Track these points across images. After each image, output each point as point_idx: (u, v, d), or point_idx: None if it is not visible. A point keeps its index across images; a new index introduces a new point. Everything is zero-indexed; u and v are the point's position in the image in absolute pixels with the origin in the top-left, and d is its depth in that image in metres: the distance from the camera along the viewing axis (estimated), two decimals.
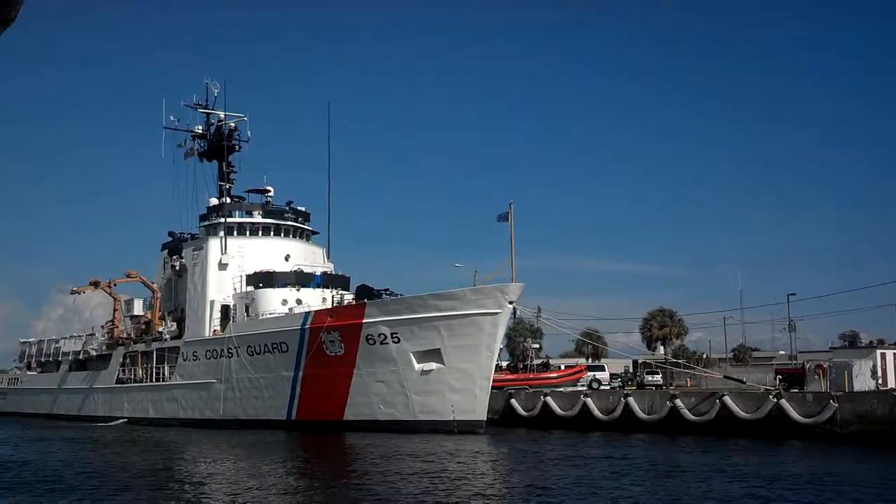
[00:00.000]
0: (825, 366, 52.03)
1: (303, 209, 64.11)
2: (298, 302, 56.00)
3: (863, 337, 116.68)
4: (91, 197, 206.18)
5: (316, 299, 56.29)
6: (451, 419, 47.10)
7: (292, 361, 51.41)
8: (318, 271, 59.01)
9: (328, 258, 63.82)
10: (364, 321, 48.21)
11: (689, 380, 71.15)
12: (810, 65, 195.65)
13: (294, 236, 62.61)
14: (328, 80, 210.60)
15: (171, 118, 67.84)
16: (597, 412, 49.27)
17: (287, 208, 63.05)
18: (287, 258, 60.44)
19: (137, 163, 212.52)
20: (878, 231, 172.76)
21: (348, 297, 56.59)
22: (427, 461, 36.18)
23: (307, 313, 50.94)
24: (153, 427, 59.62)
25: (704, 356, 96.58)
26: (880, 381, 52.68)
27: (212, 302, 57.90)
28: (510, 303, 45.77)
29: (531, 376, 62.36)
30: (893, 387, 52.23)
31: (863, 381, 48.84)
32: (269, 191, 63.94)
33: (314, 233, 64.62)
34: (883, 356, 56.04)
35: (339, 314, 49.33)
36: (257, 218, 61.59)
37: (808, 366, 55.00)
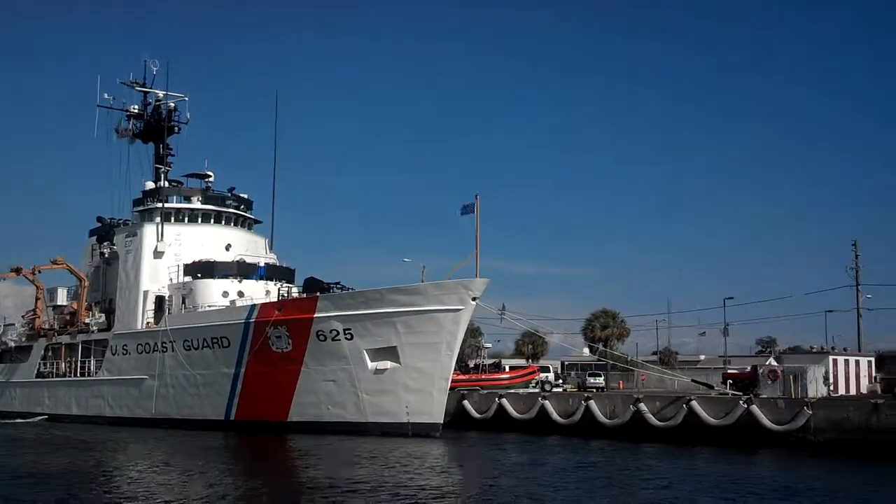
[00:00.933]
0: (779, 371, 51.11)
1: (245, 196, 60.61)
2: (240, 294, 52.62)
3: (779, 342, 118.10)
4: (10, 178, 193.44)
5: (259, 292, 53.06)
6: (406, 421, 44.40)
7: (233, 357, 48.06)
8: (262, 262, 55.64)
9: (271, 249, 60.43)
10: (315, 315, 45.16)
11: (621, 381, 69.79)
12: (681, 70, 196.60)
13: (235, 224, 59.07)
14: (278, 64, 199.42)
15: (106, 96, 63.69)
16: (555, 415, 47.16)
17: (229, 195, 59.47)
18: (228, 248, 56.93)
19: (65, 142, 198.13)
20: (812, 240, 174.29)
21: (294, 291, 53.53)
22: (377, 466, 34.08)
23: (252, 306, 47.65)
24: (77, 424, 55.59)
25: (630, 359, 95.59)
26: (832, 388, 51.90)
27: (145, 292, 54.07)
28: (474, 299, 43.24)
29: (483, 377, 60.01)
30: (844, 393, 51.57)
31: (816, 388, 48.05)
32: (210, 176, 60.26)
33: (257, 222, 61.18)
34: (835, 362, 55.22)
35: (288, 308, 46.19)
36: (196, 204, 57.88)
37: (760, 370, 53.98)
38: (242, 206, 59.97)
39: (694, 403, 42.50)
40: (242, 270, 53.98)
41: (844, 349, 63.59)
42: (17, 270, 61.48)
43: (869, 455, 36.82)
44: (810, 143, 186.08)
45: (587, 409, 45.91)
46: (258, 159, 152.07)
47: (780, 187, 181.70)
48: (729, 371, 70.09)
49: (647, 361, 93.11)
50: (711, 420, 41.90)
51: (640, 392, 50.12)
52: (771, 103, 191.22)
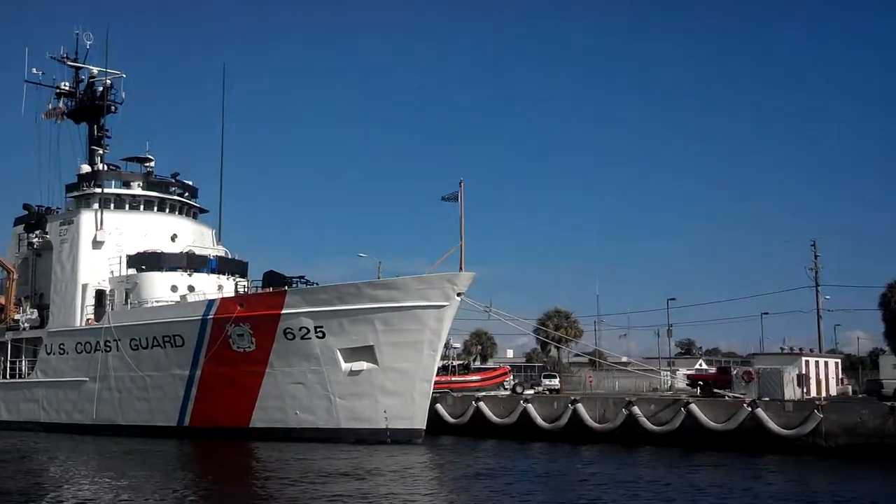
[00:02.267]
0: (753, 372, 49.34)
1: (190, 183, 55.92)
2: (190, 289, 48.18)
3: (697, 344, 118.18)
4: None
5: (211, 286, 48.61)
6: (384, 427, 40.77)
7: (188, 358, 43.71)
8: (212, 255, 51.17)
9: (219, 241, 55.90)
10: (283, 312, 41.17)
11: (562, 384, 67.48)
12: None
13: (180, 213, 54.41)
14: (226, 40, 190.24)
15: (35, 71, 58.20)
16: (539, 420, 44.08)
17: (173, 181, 54.72)
18: (174, 238, 52.32)
19: None
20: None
21: (244, 286, 49.44)
22: (351, 478, 30.80)
23: (210, 301, 43.32)
24: (6, 431, 50.35)
25: (564, 361, 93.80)
26: (805, 389, 50.40)
27: (84, 286, 49.09)
28: (459, 294, 39.82)
29: (452, 379, 56.57)
30: (815, 395, 50.00)
31: (790, 389, 46.40)
32: (151, 160, 55.39)
33: (203, 211, 56.63)
34: (807, 363, 53.70)
35: (252, 303, 42.03)
36: (138, 190, 53.01)
37: (735, 371, 52.21)
38: (187, 194, 55.37)
39: (693, 406, 39.96)
40: (192, 263, 49.51)
41: (811, 350, 62.47)
42: None
43: (885, 461, 34.74)
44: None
45: (575, 412, 42.96)
46: (202, 143, 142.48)
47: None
48: (690, 372, 68.62)
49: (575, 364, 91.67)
50: (712, 424, 39.38)
51: (633, 395, 47.56)
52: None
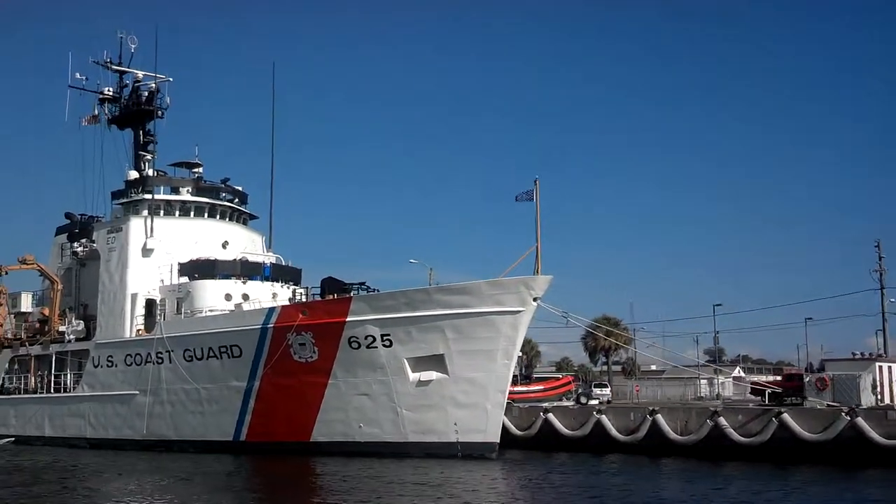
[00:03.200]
0: (828, 379, 46.97)
1: (240, 189, 54.06)
2: (245, 297, 46.15)
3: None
4: None
5: (265, 294, 46.71)
6: (455, 441, 38.48)
7: (246, 369, 41.62)
8: (266, 261, 49.20)
9: (269, 247, 53.94)
10: (348, 319, 39.02)
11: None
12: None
13: (231, 219, 52.52)
14: (272, 44, 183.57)
15: (78, 76, 56.62)
16: (614, 432, 41.62)
17: (223, 186, 52.85)
18: (225, 245, 50.42)
19: (23, 128, 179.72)
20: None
21: (302, 293, 47.51)
22: (423, 496, 29.02)
23: (271, 309, 41.27)
24: (51, 448, 48.44)
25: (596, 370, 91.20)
26: (879, 396, 47.99)
27: (134, 295, 47.13)
28: (535, 300, 37.55)
29: (513, 388, 54.06)
30: (889, 402, 47.57)
31: (866, 396, 44.10)
32: (200, 165, 53.59)
33: (253, 217, 54.63)
34: (880, 369, 51.23)
35: (316, 311, 39.90)
36: (187, 196, 51.17)
37: (807, 378, 49.82)
38: (237, 200, 53.48)
39: (786, 417, 37.37)
40: (246, 270, 47.51)
41: (880, 355, 59.88)
42: None
43: None
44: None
45: (654, 424, 40.49)
46: (251, 148, 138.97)
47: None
48: (759, 381, 65.93)
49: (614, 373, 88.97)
50: (807, 435, 36.79)
51: (717, 405, 45.10)
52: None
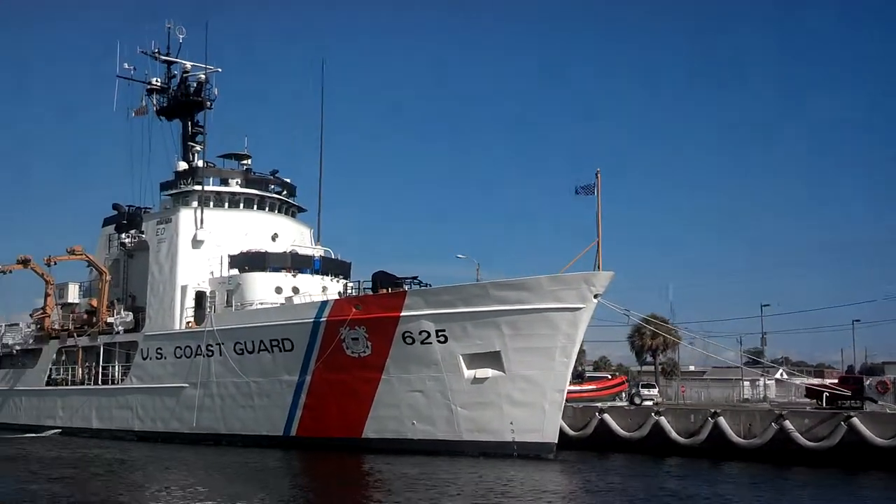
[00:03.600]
0: (889, 382, 45.40)
1: (288, 181, 53.43)
2: (295, 290, 45.58)
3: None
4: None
5: (315, 288, 46.02)
6: (511, 440, 37.50)
7: (298, 363, 40.93)
8: (316, 254, 48.53)
9: (317, 240, 53.26)
10: (402, 314, 38.18)
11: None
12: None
13: (280, 211, 51.94)
14: (322, 33, 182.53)
15: (126, 66, 56.31)
16: (674, 434, 40.41)
17: (272, 177, 52.26)
18: (275, 238, 49.83)
19: (73, 117, 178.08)
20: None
21: (352, 288, 46.79)
22: (479, 495, 28.21)
23: (324, 303, 40.55)
24: (98, 440, 48.14)
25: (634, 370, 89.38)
26: None
27: (184, 287, 46.65)
28: (596, 296, 36.45)
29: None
30: None
31: None
32: (249, 157, 53.08)
33: (301, 210, 54.00)
34: None
35: (370, 305, 39.08)
36: (237, 187, 50.61)
37: (868, 382, 48.12)
38: (285, 192, 52.83)
39: (855, 421, 35.97)
40: (296, 263, 46.90)
41: None
42: (25, 262, 53.77)
43: None
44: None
45: (715, 426, 39.24)
46: (296, 140, 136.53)
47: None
48: (812, 382, 64.28)
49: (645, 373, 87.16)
50: (878, 440, 35.38)
51: (783, 407, 43.76)
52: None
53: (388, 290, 39.82)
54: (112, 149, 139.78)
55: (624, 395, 53.34)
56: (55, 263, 51.46)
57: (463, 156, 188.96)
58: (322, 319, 39.89)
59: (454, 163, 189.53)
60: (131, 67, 56.33)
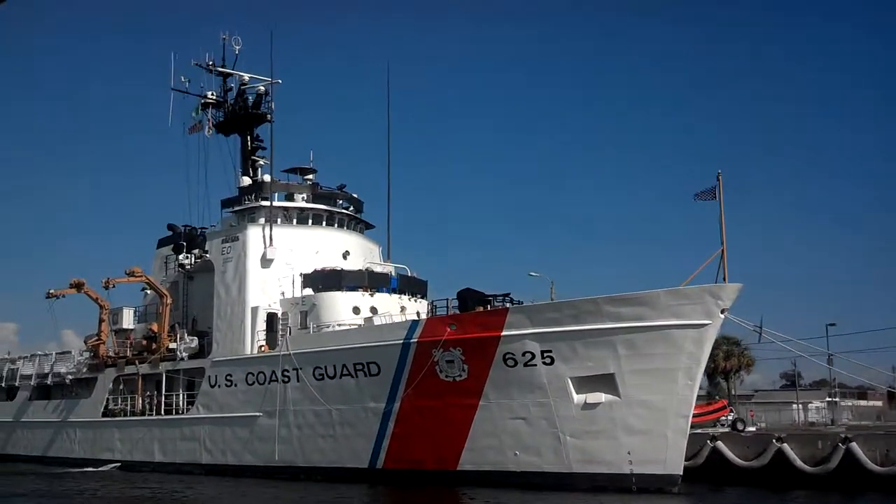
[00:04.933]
0: None
1: (356, 196, 50.42)
2: (373, 310, 42.41)
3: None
4: (51, 176, 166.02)
5: (393, 307, 42.84)
6: (628, 472, 33.94)
7: (385, 388, 37.64)
8: (393, 273, 45.42)
9: (387, 258, 50.14)
10: (503, 334, 34.84)
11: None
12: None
13: (349, 228, 48.91)
14: (383, 39, 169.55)
15: (182, 78, 53.71)
16: (799, 462, 36.79)
17: (339, 192, 49.25)
18: (346, 255, 46.79)
19: (122, 133, 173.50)
20: None
21: (425, 307, 43.75)
22: None
23: (414, 322, 37.33)
24: (160, 474, 44.97)
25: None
26: None
27: (254, 309, 43.54)
28: (723, 311, 32.99)
29: None
30: None
31: None
32: (314, 171, 50.18)
33: (370, 226, 50.91)
34: None
35: (466, 324, 35.77)
36: (303, 203, 47.65)
37: None
38: (352, 208, 49.78)
39: None
40: (373, 281, 43.73)
41: None
42: (79, 286, 50.88)
43: None
44: None
45: (847, 453, 35.61)
46: (357, 154, 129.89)
47: None
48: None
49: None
50: None
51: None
52: None
53: (483, 308, 36.52)
54: (166, 166, 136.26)
55: (724, 420, 49.52)
56: (114, 286, 48.44)
57: (535, 163, 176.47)
58: (413, 340, 36.63)
59: (536, 171, 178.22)
60: (186, 80, 53.80)
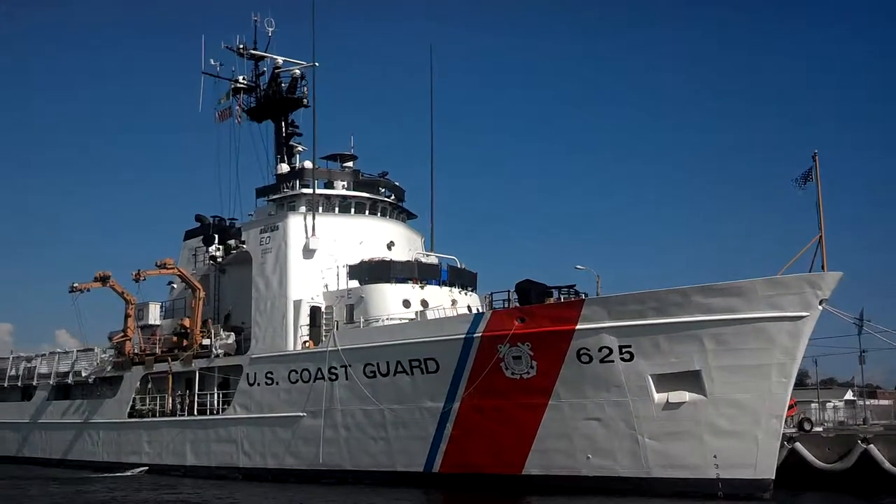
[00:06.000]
0: None
1: (397, 184, 47.77)
2: (424, 304, 39.89)
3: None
4: (71, 167, 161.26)
5: (444, 300, 40.33)
6: (714, 477, 31.25)
7: (444, 386, 34.98)
8: (443, 264, 42.84)
9: (430, 249, 47.52)
10: (578, 327, 32.17)
11: None
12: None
13: (391, 217, 46.27)
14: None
15: (213, 62, 51.14)
16: (887, 465, 34.19)
17: (382, 179, 46.60)
18: (390, 246, 44.11)
19: (143, 123, 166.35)
20: None
21: (473, 300, 41.27)
22: None
23: (478, 315, 34.64)
24: (193, 479, 42.30)
25: None
26: None
27: (297, 302, 40.86)
28: (821, 302, 30.34)
29: None
30: None
31: None
32: (354, 158, 47.55)
33: (412, 216, 48.27)
34: None
35: (537, 317, 33.08)
36: (346, 191, 45.02)
37: None
38: (394, 196, 47.12)
39: None
40: (423, 273, 41.09)
41: None
42: (104, 279, 48.21)
43: None
44: None
45: None
46: (397, 127, 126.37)
47: None
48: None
49: None
50: None
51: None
52: None
53: (560, 299, 33.87)
54: (195, 155, 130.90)
55: (792, 419, 46.80)
56: (144, 279, 45.70)
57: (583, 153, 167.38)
58: (476, 335, 33.95)
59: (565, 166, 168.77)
60: (217, 63, 51.23)
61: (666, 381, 31.74)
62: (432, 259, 43.61)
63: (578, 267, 45.65)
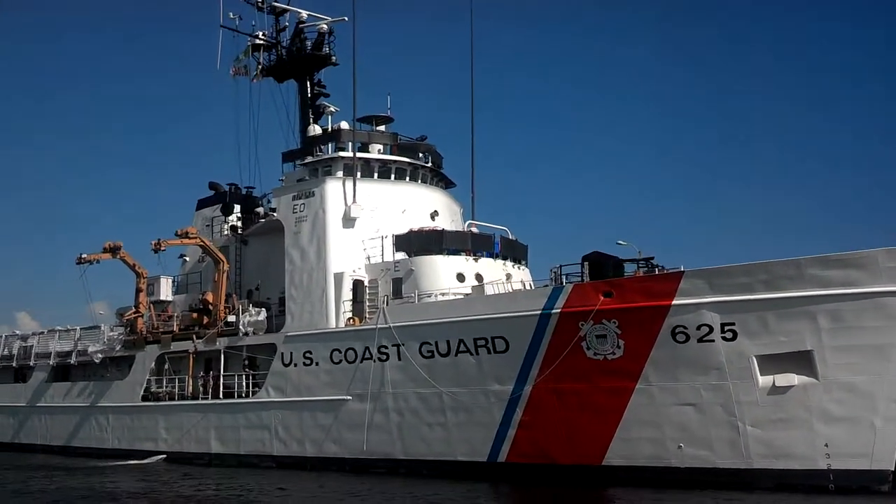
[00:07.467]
0: None
1: (436, 149, 44.18)
2: (478, 278, 36.53)
3: None
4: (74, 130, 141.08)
5: (497, 274, 37.03)
6: (824, 468, 28.21)
7: (514, 368, 31.61)
8: (496, 235, 39.52)
9: (471, 219, 44.08)
10: (674, 303, 28.92)
11: None
12: None
13: (432, 184, 42.78)
14: None
15: (231, 15, 47.21)
16: None
17: (422, 143, 43.00)
18: (434, 216, 40.69)
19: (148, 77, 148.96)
20: None
21: (525, 275, 38.09)
22: None
23: (557, 289, 31.16)
24: (220, 468, 38.76)
25: None
26: None
27: (338, 276, 37.27)
28: None
29: None
30: None
31: None
32: (391, 120, 43.87)
33: (451, 184, 44.77)
34: None
35: (626, 291, 29.75)
36: (386, 155, 41.41)
37: None
38: (432, 162, 43.56)
39: None
40: (476, 245, 37.67)
41: None
42: (114, 250, 44.31)
43: None
44: None
45: None
46: (434, 89, 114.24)
47: None
48: None
49: None
50: None
51: None
52: None
53: (641, 274, 30.56)
54: (208, 117, 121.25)
55: None
56: (164, 249, 41.74)
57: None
58: (553, 311, 30.59)
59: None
60: (236, 17, 47.28)
61: (772, 363, 28.61)
62: (486, 230, 40.21)
63: (620, 243, 42.33)
